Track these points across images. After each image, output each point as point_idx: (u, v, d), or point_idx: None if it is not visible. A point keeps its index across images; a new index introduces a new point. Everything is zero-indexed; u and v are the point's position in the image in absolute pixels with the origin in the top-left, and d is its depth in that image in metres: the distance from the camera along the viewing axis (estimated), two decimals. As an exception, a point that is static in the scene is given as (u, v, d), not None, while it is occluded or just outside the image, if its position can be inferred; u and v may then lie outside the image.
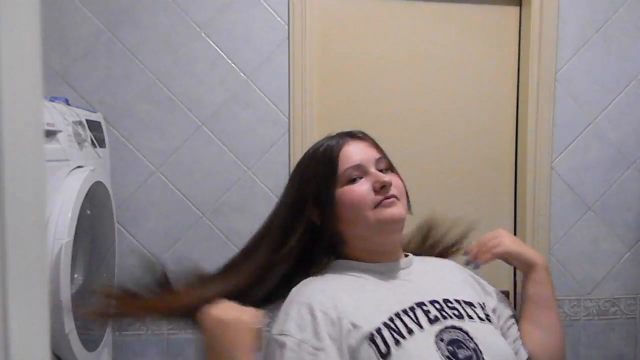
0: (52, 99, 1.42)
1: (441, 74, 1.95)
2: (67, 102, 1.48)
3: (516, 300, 2.01)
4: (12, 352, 0.35)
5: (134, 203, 1.78)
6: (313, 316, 0.76)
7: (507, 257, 0.96)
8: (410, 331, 0.76)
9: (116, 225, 1.65)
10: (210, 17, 1.79)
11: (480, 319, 0.84)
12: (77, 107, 1.52)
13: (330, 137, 0.93)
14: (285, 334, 0.76)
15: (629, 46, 1.98)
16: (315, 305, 0.77)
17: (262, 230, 0.91)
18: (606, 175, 2.00)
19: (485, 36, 1.97)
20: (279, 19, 1.82)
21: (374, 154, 0.89)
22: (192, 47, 1.79)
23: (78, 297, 1.30)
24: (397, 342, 0.74)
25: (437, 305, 0.82)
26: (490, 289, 0.97)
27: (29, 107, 0.39)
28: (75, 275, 1.34)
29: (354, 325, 0.76)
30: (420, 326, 0.77)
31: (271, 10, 1.81)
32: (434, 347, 0.75)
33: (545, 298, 0.95)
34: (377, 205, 0.83)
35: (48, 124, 1.20)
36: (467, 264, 0.98)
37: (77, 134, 1.36)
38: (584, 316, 2.01)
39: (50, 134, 1.22)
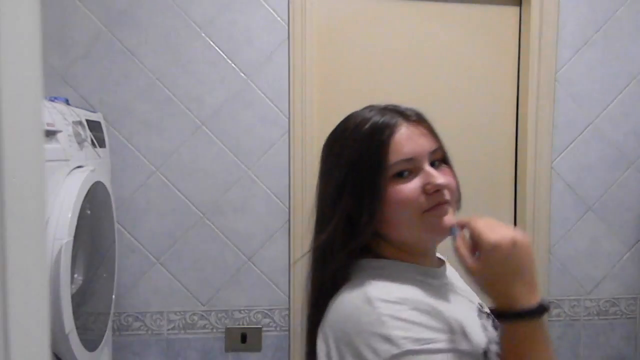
0: (52, 99, 1.42)
1: (441, 73, 1.95)
2: (67, 102, 1.48)
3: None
4: (12, 352, 0.35)
5: (134, 203, 1.78)
6: (428, 313, 0.67)
7: None
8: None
9: (116, 225, 1.65)
10: (210, 17, 1.79)
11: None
12: (77, 107, 1.52)
13: (379, 111, 0.78)
14: (427, 341, 0.64)
15: (629, 46, 1.98)
16: (418, 305, 0.67)
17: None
18: (606, 175, 2.00)
19: (485, 36, 1.97)
20: (279, 19, 1.82)
21: (429, 145, 0.76)
22: (192, 47, 1.79)
23: (78, 297, 1.30)
24: None
25: (484, 314, 0.78)
26: None
27: (29, 107, 0.39)
28: (75, 275, 1.34)
29: (465, 335, 0.68)
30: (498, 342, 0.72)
31: (271, 10, 1.81)
32: None
33: None
34: (427, 210, 0.73)
35: (48, 124, 1.20)
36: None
37: (77, 134, 1.36)
38: (584, 316, 2.01)
39: (50, 134, 1.22)
